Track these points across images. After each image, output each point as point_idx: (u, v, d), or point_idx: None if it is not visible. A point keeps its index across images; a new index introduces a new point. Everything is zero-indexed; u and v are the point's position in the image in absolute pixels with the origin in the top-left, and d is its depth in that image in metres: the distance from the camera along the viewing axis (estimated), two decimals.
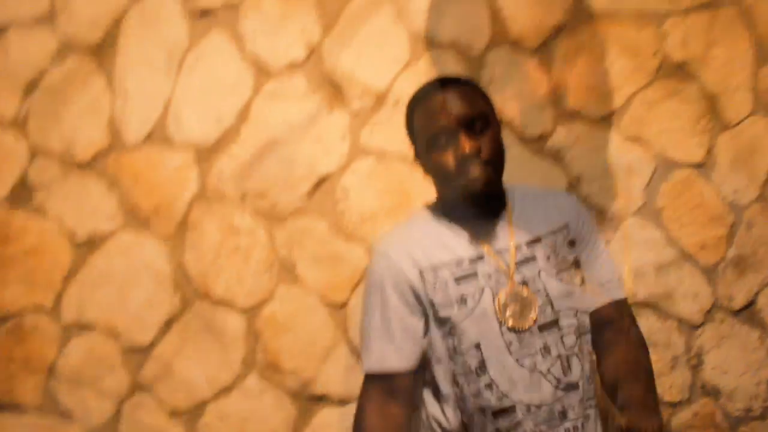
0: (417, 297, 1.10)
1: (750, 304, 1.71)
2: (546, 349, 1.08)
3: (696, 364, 1.68)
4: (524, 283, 1.10)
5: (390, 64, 1.63)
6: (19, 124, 1.54)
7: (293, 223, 1.59)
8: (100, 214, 1.55)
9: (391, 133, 1.61)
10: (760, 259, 1.71)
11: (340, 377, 1.58)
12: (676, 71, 1.70)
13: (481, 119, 1.10)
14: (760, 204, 1.71)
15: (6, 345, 1.52)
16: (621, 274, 1.16)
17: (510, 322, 1.07)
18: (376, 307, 1.12)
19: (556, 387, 1.07)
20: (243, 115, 1.58)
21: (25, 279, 1.54)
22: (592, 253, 1.17)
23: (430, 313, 1.10)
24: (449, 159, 1.09)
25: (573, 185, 1.65)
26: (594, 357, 1.16)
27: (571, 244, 1.15)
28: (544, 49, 1.66)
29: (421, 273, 1.10)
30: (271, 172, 1.57)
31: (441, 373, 1.11)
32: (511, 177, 1.15)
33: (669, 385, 1.67)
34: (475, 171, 1.08)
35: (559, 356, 1.08)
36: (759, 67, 1.72)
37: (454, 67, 1.63)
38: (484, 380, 1.07)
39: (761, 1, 1.71)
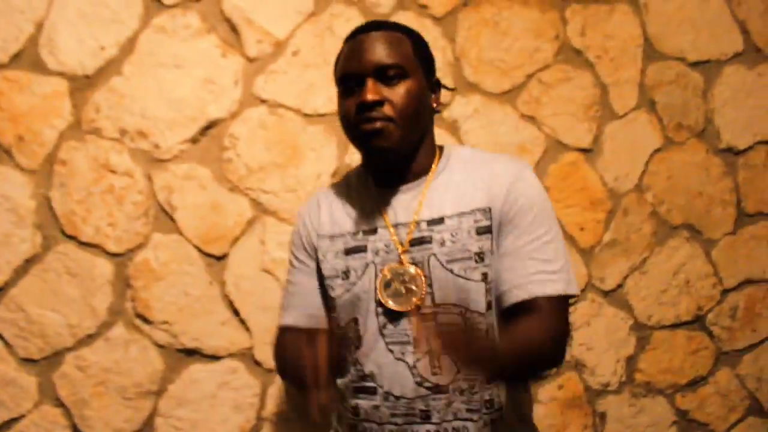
0: (316, 260, 1.08)
1: (619, 287, 1.80)
2: (417, 341, 0.97)
3: None
4: (414, 264, 0.98)
5: (293, 13, 1.57)
6: None
7: (175, 168, 1.50)
8: None
9: (287, 84, 1.56)
10: (632, 245, 1.81)
11: (213, 331, 1.52)
12: (573, 57, 1.75)
13: (397, 69, 0.97)
14: (636, 193, 1.81)
15: None
16: (558, 267, 0.97)
17: (389, 303, 0.97)
18: (289, 265, 1.13)
19: (419, 384, 0.96)
20: (128, 47, 1.47)
21: None
22: (515, 244, 0.97)
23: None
24: (352, 106, 0.97)
25: None
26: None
27: (483, 231, 0.98)
28: (450, 18, 1.66)
29: (319, 239, 1.08)
30: (155, 111, 1.48)
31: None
32: None
33: None
34: (373, 124, 0.95)
35: (429, 353, 0.96)
36: (646, 65, 1.81)
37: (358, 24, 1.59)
38: (357, 354, 1.01)
39: (655, 1, 1.80)
